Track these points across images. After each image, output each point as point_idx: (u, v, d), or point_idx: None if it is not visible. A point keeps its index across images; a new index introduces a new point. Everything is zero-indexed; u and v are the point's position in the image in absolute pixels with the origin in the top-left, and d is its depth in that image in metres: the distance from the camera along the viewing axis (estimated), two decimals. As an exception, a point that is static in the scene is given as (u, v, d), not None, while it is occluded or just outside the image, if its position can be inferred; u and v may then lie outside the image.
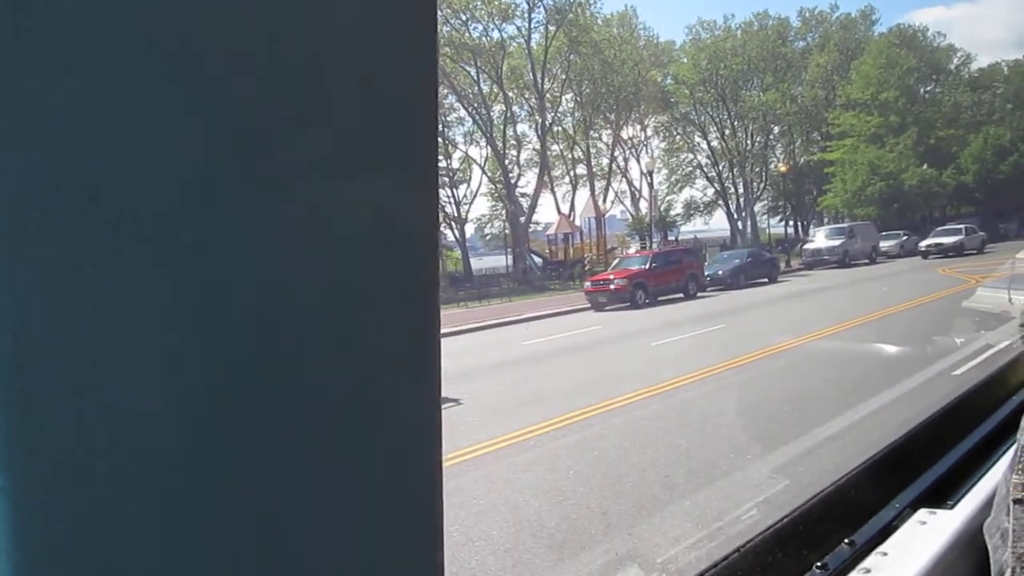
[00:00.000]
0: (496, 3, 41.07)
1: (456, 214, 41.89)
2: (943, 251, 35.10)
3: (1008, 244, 34.73)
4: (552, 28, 42.86)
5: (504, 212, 44.00)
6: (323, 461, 0.42)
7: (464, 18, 40.95)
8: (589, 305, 24.58)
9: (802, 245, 38.85)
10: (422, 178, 0.47)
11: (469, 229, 44.01)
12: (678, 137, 50.96)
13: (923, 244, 36.53)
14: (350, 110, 0.43)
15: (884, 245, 36.42)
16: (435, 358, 0.47)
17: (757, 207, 51.07)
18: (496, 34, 42.61)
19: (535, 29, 43.09)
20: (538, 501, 6.33)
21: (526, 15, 42.51)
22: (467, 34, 41.54)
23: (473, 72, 42.10)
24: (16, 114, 0.34)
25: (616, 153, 48.37)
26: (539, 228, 45.45)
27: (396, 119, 0.45)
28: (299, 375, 0.41)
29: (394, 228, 0.45)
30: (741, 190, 50.34)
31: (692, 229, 51.30)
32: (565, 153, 47.16)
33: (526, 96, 44.17)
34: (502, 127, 43.25)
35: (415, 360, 0.47)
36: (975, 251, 35.21)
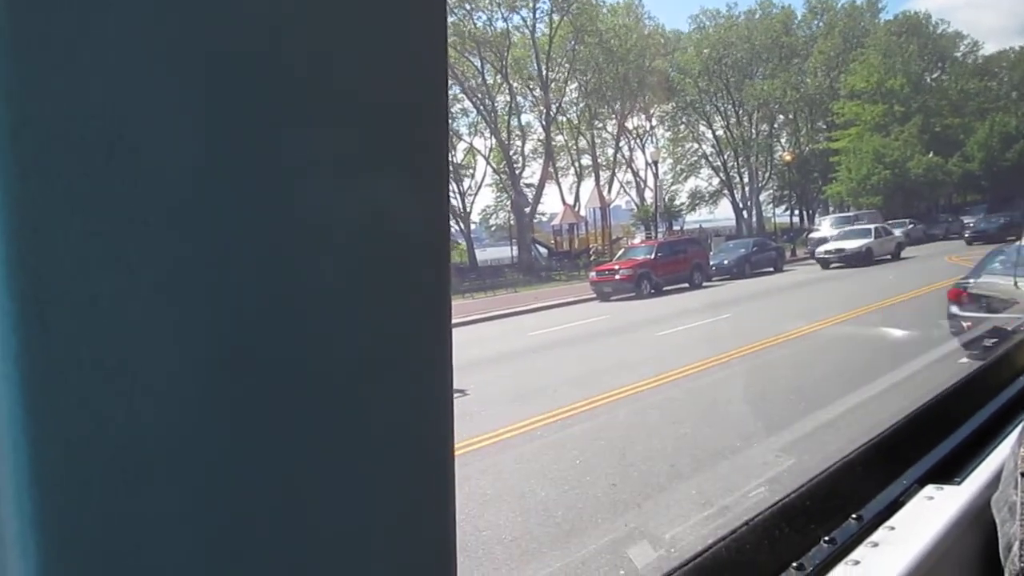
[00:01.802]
0: (500, -8, 41.04)
1: (461, 206, 41.89)
2: (845, 259, 27.71)
3: (937, 245, 32.51)
4: (557, 17, 42.78)
5: (509, 203, 44.00)
6: (332, 453, 0.43)
7: (468, 8, 40.91)
8: (594, 295, 24.58)
9: (808, 234, 38.74)
10: (432, 176, 0.47)
11: (474, 220, 44.06)
12: (683, 127, 50.86)
13: (821, 250, 29.43)
14: (360, 108, 0.43)
15: (889, 234, 36.27)
16: (445, 353, 0.48)
17: (762, 196, 51.02)
18: (501, 24, 42.58)
19: (540, 19, 43.06)
20: (545, 490, 6.35)
21: (531, 4, 42.43)
22: (471, 24, 41.51)
23: (477, 63, 42.09)
24: (16, 111, 0.34)
25: (621, 143, 48.32)
26: (544, 219, 45.45)
27: (405, 117, 0.45)
28: (307, 368, 0.42)
29: (403, 225, 0.45)
30: (746, 179, 50.24)
31: (697, 219, 51.28)
32: (570, 143, 47.11)
33: (531, 86, 44.12)
34: (507, 118, 43.22)
35: (427, 354, 0.47)
36: (888, 257, 28.77)
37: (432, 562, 0.48)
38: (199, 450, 0.38)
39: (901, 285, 19.07)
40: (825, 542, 1.16)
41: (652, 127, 49.99)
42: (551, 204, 46.36)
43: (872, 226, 31.00)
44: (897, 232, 31.00)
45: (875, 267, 26.52)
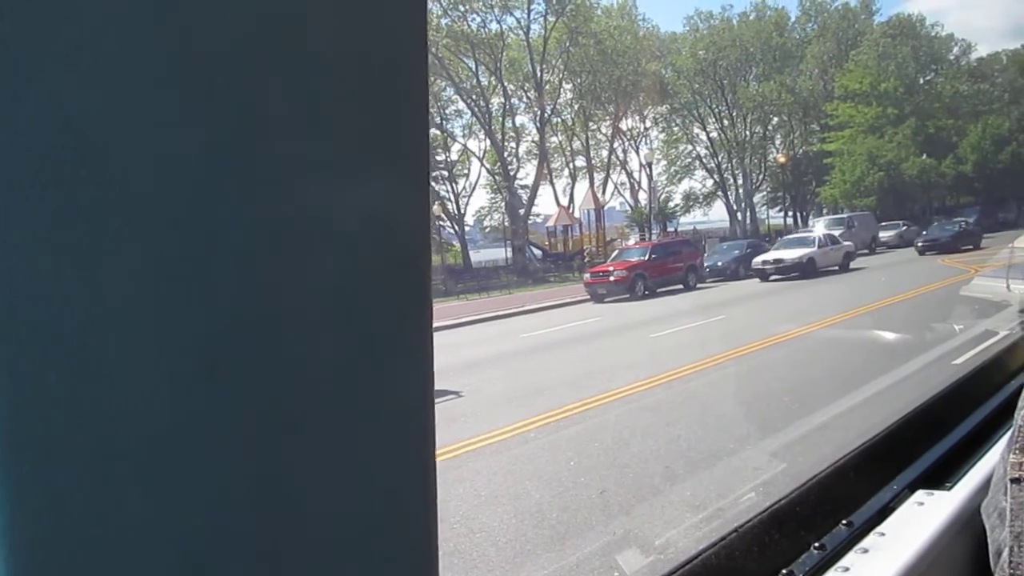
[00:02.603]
0: (495, -6, 41.07)
1: (455, 207, 41.95)
2: (784, 271, 25.58)
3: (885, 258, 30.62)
4: (552, 18, 42.80)
5: (503, 204, 43.99)
6: (312, 455, 0.43)
7: (463, 9, 40.90)
8: (589, 297, 24.58)
9: (802, 235, 38.78)
10: (414, 175, 0.47)
11: (468, 221, 44.11)
12: (677, 128, 50.90)
13: (758, 260, 26.89)
14: (340, 110, 0.43)
15: (883, 235, 36.26)
16: (428, 352, 0.47)
17: (756, 198, 51.06)
18: (495, 25, 42.61)
19: (534, 20, 43.08)
20: (539, 492, 6.34)
21: (525, 5, 42.43)
22: (466, 26, 41.51)
23: (471, 64, 42.11)
24: (15, 110, 0.34)
25: (615, 144, 48.37)
26: (538, 220, 45.46)
27: (386, 118, 0.45)
28: (287, 370, 0.41)
29: (386, 223, 0.45)
30: (740, 181, 50.28)
31: (691, 220, 51.28)
32: (564, 145, 47.12)
33: (525, 88, 44.13)
34: (501, 119, 43.23)
35: (408, 354, 0.47)
36: (836, 268, 26.65)
37: (415, 563, 0.48)
38: (178, 453, 0.38)
39: (892, 286, 19.09)
40: (815, 548, 1.16)
41: (646, 128, 50.09)
42: (545, 206, 46.45)
43: (816, 235, 29.22)
44: (846, 241, 29.05)
45: (870, 270, 26.30)
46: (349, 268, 0.44)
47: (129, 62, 0.36)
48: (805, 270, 25.42)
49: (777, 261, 26.38)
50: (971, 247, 29.47)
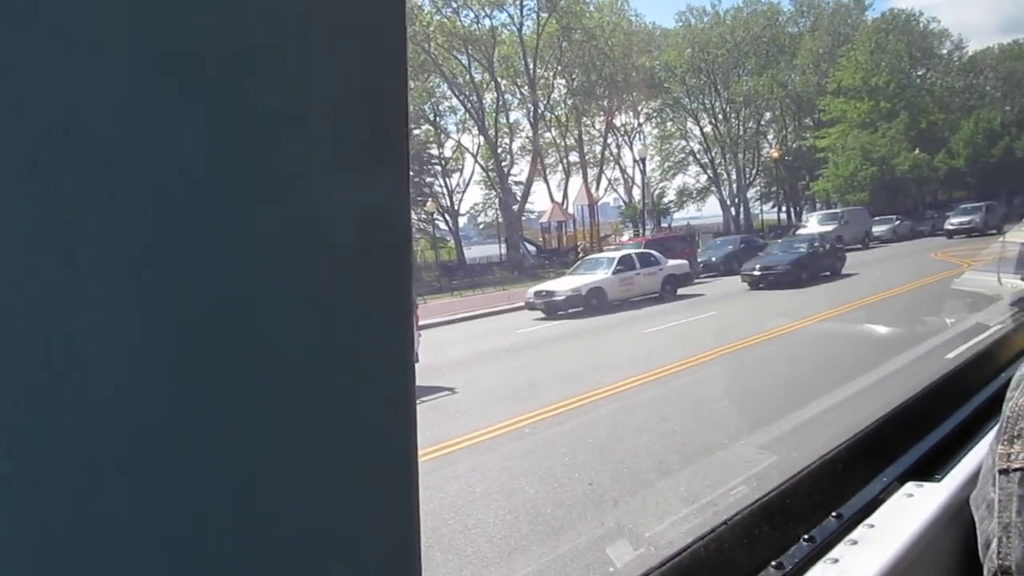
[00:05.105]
0: (488, -10, 41.05)
1: (449, 203, 41.96)
2: (556, 308, 19.04)
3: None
4: (544, 15, 42.79)
5: (497, 200, 43.99)
6: (291, 452, 0.43)
7: (456, 6, 40.88)
8: (583, 292, 24.52)
9: (795, 231, 38.76)
10: (393, 173, 0.47)
11: (462, 219, 44.11)
12: (670, 124, 50.94)
13: (531, 293, 20.23)
14: (318, 106, 0.43)
15: (877, 230, 36.24)
16: (408, 350, 0.47)
17: (750, 193, 51.16)
18: (488, 22, 42.58)
19: (527, 16, 43.07)
20: (533, 488, 6.35)
21: (518, 1, 42.42)
22: (458, 22, 41.49)
23: (465, 60, 42.08)
24: (12, 112, 0.34)
25: (609, 140, 48.39)
26: (532, 216, 45.48)
27: (365, 115, 0.45)
28: (266, 366, 0.42)
29: (368, 220, 0.45)
30: (734, 176, 50.36)
31: (685, 216, 51.31)
32: (558, 141, 47.14)
33: (518, 84, 44.12)
34: (494, 115, 43.21)
35: (389, 349, 0.47)
36: (656, 295, 20.71)
37: (396, 561, 0.48)
38: (155, 447, 0.38)
39: (886, 281, 19.11)
40: (804, 540, 1.16)
41: (640, 124, 50.11)
42: (539, 201, 46.45)
43: (616, 255, 22.59)
44: (671, 261, 22.54)
45: (864, 264, 25.64)
46: (330, 264, 0.44)
47: (121, 61, 0.36)
48: (588, 304, 19.53)
49: (548, 294, 19.96)
50: (828, 273, 22.75)
